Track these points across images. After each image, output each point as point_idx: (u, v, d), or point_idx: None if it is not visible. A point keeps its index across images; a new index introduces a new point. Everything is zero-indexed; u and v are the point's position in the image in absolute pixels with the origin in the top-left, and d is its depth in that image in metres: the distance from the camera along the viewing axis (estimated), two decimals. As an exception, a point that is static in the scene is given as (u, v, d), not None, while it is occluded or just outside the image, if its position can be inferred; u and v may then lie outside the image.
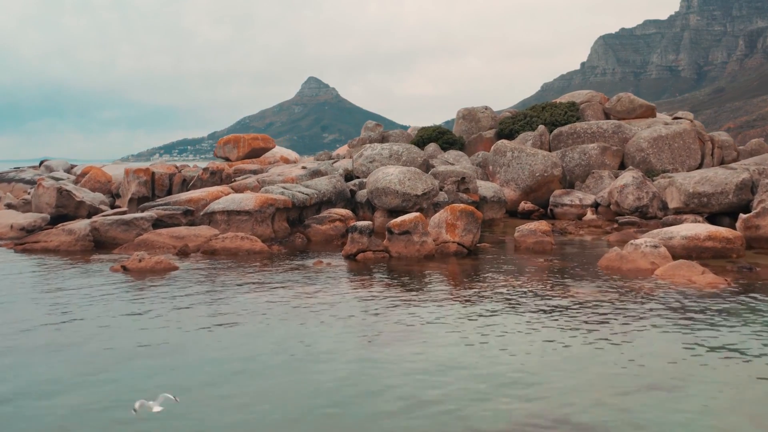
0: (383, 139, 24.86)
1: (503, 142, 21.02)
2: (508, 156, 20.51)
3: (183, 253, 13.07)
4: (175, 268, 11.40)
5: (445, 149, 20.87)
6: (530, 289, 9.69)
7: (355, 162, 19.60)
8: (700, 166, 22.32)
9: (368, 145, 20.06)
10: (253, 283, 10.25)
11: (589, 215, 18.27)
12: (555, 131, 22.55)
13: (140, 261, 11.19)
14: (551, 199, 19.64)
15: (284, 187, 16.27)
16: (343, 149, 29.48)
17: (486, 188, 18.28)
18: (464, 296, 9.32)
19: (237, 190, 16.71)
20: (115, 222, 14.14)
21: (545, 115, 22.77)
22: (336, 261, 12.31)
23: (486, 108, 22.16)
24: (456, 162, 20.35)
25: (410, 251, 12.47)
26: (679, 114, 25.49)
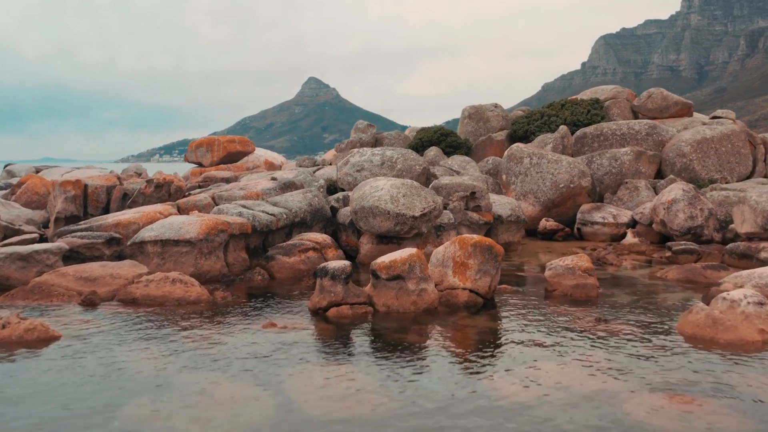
0: (376, 142, 21.11)
1: (519, 146, 17.28)
2: (525, 163, 16.88)
3: (89, 303, 9.41)
4: (55, 338, 7.70)
5: (448, 154, 17.42)
6: (594, 388, 6.01)
7: (340, 171, 15.97)
8: (751, 175, 18.70)
9: (356, 150, 16.37)
10: (159, 371, 6.58)
11: (630, 238, 14.64)
12: (578, 133, 18.87)
13: (2, 327, 7.53)
14: (579, 215, 16.04)
15: (244, 206, 12.61)
16: (330, 153, 25.70)
17: (501, 205, 14.60)
18: (485, 407, 5.64)
19: (184, 210, 13.03)
20: (8, 256, 10.48)
21: (565, 113, 18.76)
22: (298, 319, 8.66)
23: (495, 106, 18.40)
24: (462, 170, 16.62)
25: (403, 304, 8.81)
26: (719, 113, 21.81)
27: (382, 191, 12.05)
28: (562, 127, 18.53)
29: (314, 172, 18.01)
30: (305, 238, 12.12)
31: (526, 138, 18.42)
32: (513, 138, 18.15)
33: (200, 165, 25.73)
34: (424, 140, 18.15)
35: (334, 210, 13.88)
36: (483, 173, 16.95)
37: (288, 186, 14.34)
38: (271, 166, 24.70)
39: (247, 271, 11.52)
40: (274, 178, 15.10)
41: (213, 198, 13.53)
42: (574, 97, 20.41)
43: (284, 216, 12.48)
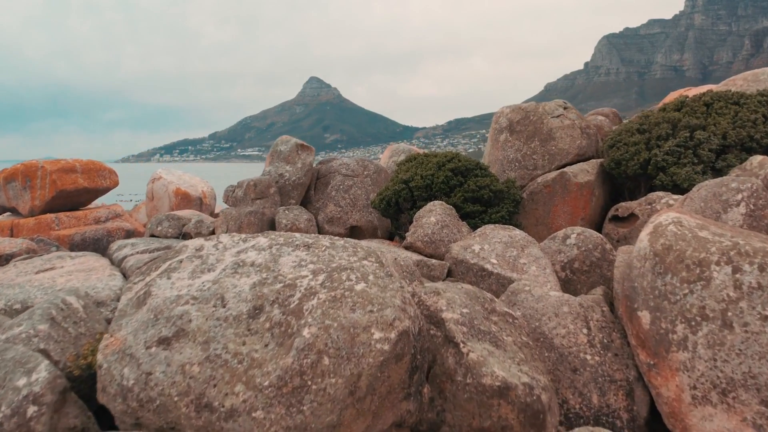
0: (318, 180, 10.34)
1: (679, 220, 4.73)
2: (717, 283, 4.19)
3: None
4: None
5: (468, 216, 8.40)
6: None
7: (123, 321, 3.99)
8: None
9: (201, 243, 4.46)
10: None
11: None
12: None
13: None
14: None
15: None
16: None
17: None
18: None
19: None
20: None
21: (718, 120, 9.08)
22: None
23: (564, 106, 10.41)
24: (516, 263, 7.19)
25: None
26: None
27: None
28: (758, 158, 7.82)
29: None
30: None
31: (646, 176, 8.94)
32: (612, 176, 9.38)
33: (15, 213, 13.06)
34: (419, 185, 8.47)
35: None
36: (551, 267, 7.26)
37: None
38: (185, 200, 15.69)
39: None
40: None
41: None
42: (706, 87, 12.01)
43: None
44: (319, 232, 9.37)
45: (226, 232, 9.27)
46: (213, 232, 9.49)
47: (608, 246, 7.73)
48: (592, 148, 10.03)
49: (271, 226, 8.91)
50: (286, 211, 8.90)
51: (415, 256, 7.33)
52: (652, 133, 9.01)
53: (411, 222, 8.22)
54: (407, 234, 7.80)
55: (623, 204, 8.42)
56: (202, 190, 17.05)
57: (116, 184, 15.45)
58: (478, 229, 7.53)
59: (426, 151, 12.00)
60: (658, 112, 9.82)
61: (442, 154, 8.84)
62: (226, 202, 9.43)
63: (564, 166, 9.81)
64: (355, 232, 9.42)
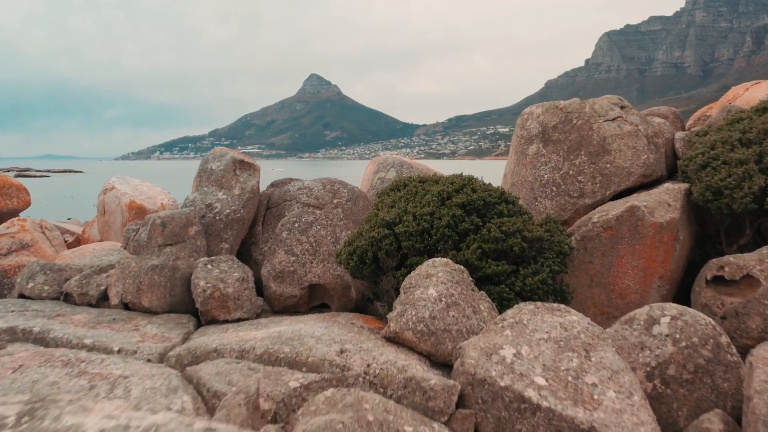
0: (269, 214, 7.29)
1: None
2: None
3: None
4: None
5: (484, 280, 5.21)
6: None
7: None
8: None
9: None
10: None
11: None
12: None
13: None
14: None
15: None
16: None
17: None
18: None
19: None
20: None
21: None
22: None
23: (621, 105, 7.32)
24: None
25: None
26: None
27: None
28: None
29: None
30: None
31: (760, 212, 5.98)
32: (699, 210, 6.39)
33: None
34: (408, 232, 5.25)
35: None
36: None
37: None
38: (141, 215, 12.73)
39: None
40: None
41: None
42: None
43: None
44: (264, 295, 6.28)
45: (122, 293, 6.20)
46: (106, 293, 6.40)
47: (724, 339, 4.65)
48: (660, 166, 6.90)
49: (188, 286, 5.85)
50: (209, 266, 5.82)
51: (402, 361, 4.27)
52: (764, 145, 5.91)
53: (397, 290, 5.14)
54: (391, 316, 4.74)
55: (730, 259, 5.34)
56: (161, 203, 14.16)
57: (27, 204, 12.72)
58: (510, 313, 4.48)
59: (423, 166, 8.82)
60: (759, 115, 6.71)
61: (447, 180, 5.69)
62: (126, 248, 6.35)
63: (624, 192, 6.71)
64: (316, 294, 6.34)
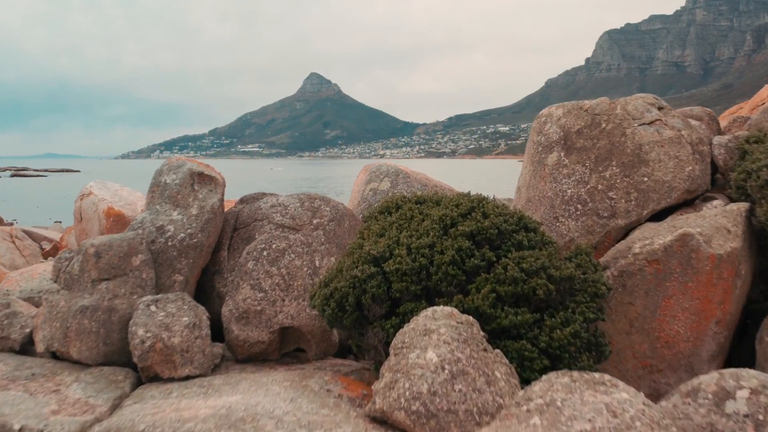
0: (237, 236, 5.54)
1: None
2: None
3: None
4: None
5: (507, 334, 3.95)
6: None
7: None
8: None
9: None
10: None
11: None
12: None
13: None
14: None
15: None
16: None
17: None
18: None
19: None
20: None
21: None
22: None
23: (659, 105, 5.99)
24: None
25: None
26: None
27: None
28: None
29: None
30: None
31: None
32: (759, 236, 5.03)
33: None
34: (401, 271, 4.05)
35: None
36: None
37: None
38: (119, 223, 11.26)
39: None
40: None
41: None
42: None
43: None
44: (225, 339, 5.10)
45: (49, 339, 5.01)
46: (31, 337, 5.22)
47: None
48: (706, 179, 5.71)
49: (127, 331, 4.67)
50: (153, 308, 4.65)
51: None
52: None
53: (387, 344, 3.96)
54: (377, 387, 3.57)
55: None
56: (141, 209, 13.17)
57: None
58: (537, 389, 3.32)
59: (422, 176, 7.60)
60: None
61: (451, 201, 4.49)
62: (56, 282, 5.17)
63: (666, 210, 5.52)
64: (289, 337, 5.16)
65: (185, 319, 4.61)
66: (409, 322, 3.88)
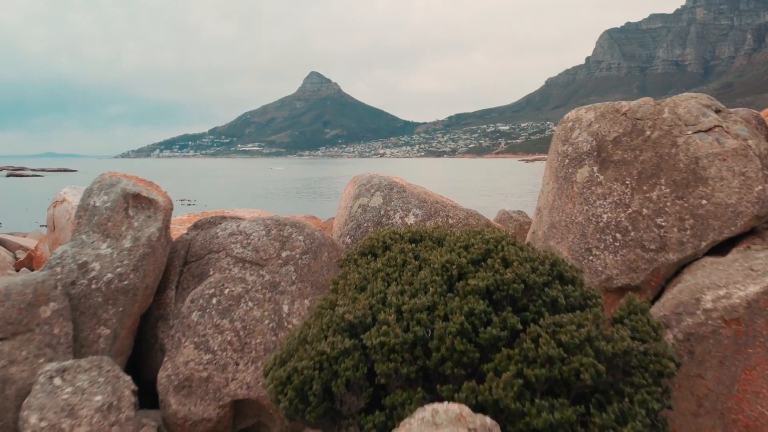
0: (188, 271, 4.73)
1: None
2: None
3: None
4: None
5: None
6: None
7: None
8: None
9: None
10: None
11: None
12: None
13: None
14: None
15: None
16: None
17: None
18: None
19: None
20: None
21: None
22: None
23: (717, 108, 4.72)
24: None
25: None
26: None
27: None
28: None
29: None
30: None
31: None
32: None
33: None
34: (388, 345, 2.82)
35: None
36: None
37: None
38: None
39: None
40: None
41: None
42: None
43: None
44: (161, 417, 3.92)
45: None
46: None
47: None
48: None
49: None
50: (57, 380, 3.46)
51: None
52: None
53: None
54: None
55: None
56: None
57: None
58: None
59: (421, 189, 6.37)
60: None
61: (458, 239, 3.26)
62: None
63: (729, 242, 4.34)
64: (245, 412, 3.97)
65: (98, 398, 3.41)
66: (399, 421, 2.69)
